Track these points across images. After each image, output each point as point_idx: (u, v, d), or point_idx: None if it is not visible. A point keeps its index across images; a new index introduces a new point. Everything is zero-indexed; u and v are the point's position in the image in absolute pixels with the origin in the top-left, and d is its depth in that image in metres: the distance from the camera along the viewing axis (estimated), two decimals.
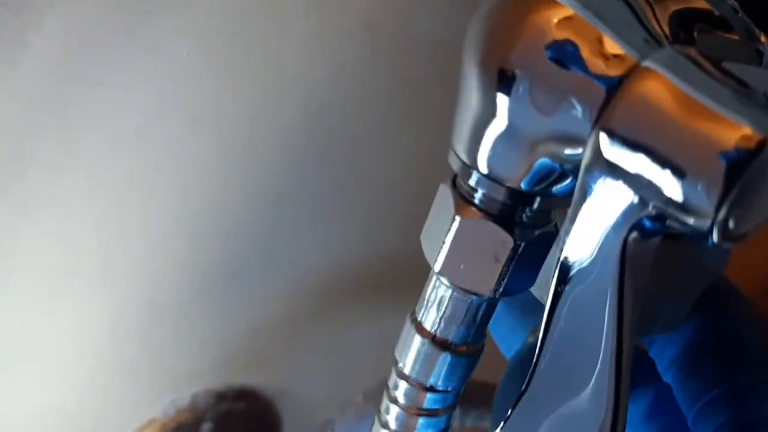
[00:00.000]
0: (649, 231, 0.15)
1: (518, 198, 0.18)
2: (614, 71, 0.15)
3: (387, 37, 0.33)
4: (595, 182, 0.16)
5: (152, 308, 0.38)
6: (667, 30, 0.16)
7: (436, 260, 0.19)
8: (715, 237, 0.15)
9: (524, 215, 0.18)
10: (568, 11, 0.16)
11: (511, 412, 0.18)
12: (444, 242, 0.19)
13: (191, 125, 0.33)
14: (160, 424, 0.42)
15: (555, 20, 0.16)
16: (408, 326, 0.21)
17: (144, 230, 0.36)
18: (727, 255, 0.23)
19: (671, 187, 0.14)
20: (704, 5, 0.17)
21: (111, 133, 0.31)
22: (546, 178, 0.17)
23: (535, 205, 0.18)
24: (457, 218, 0.18)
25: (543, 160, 0.17)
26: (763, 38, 0.17)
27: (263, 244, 0.39)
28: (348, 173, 0.37)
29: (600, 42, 0.15)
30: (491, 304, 0.20)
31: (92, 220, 0.35)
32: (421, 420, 0.21)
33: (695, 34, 0.16)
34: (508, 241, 0.18)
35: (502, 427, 0.18)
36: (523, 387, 0.17)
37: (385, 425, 0.22)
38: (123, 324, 0.38)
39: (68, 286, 0.36)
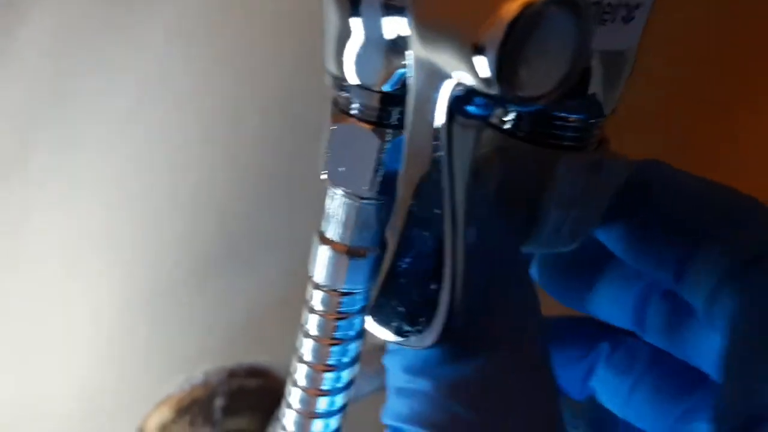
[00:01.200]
0: (466, 110, 0.18)
1: (384, 101, 0.20)
2: None
3: None
4: (417, 70, 0.18)
5: (159, 291, 0.42)
6: None
7: (321, 169, 0.22)
8: (509, 98, 0.17)
9: (392, 118, 0.21)
10: None
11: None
12: (326, 151, 0.21)
13: (181, 106, 0.36)
14: (176, 400, 0.44)
15: None
16: (314, 240, 0.23)
17: (146, 214, 0.40)
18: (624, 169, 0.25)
19: (461, 58, 0.17)
20: None
21: (105, 117, 0.35)
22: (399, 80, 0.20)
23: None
24: (333, 126, 0.21)
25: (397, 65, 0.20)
26: None
27: (261, 223, 0.41)
28: None
29: None
30: (379, 207, 0.22)
31: (97, 204, 0.38)
32: (339, 323, 0.23)
33: None
34: (375, 139, 0.20)
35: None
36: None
37: (306, 334, 0.24)
38: (134, 307, 0.41)
39: (78, 274, 0.40)
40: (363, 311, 0.24)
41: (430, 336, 0.19)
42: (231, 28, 0.35)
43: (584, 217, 0.25)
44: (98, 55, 0.33)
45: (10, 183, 0.35)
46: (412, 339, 0.20)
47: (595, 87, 0.23)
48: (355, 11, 0.20)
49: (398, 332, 0.20)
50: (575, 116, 0.23)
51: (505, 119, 0.23)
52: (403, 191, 0.20)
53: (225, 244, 0.42)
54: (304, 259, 0.23)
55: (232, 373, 0.46)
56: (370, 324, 0.21)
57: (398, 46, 0.20)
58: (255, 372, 0.46)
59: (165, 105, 0.36)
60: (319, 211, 0.23)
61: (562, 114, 0.23)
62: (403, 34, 0.19)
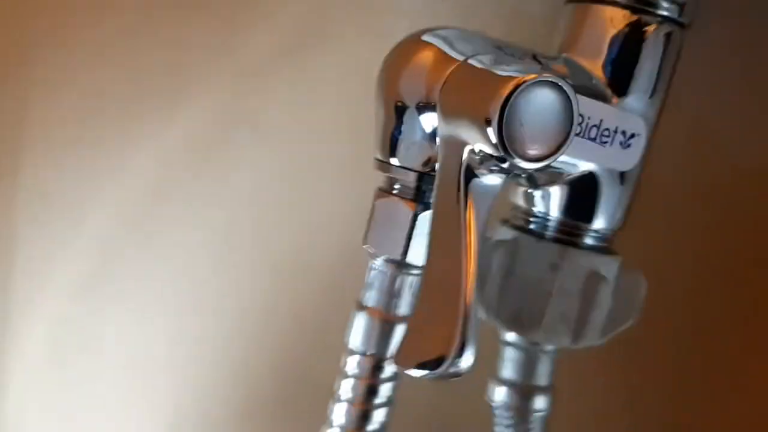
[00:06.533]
0: (482, 169, 0.22)
1: (419, 179, 0.25)
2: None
3: None
4: (443, 147, 0.23)
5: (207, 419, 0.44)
6: None
7: (364, 242, 0.26)
8: (515, 160, 0.21)
9: (425, 197, 0.25)
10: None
11: None
12: (369, 224, 0.26)
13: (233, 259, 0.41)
14: None
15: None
16: (353, 311, 0.27)
17: (203, 346, 0.43)
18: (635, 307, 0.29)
19: (477, 130, 0.21)
20: None
21: (192, 239, 0.40)
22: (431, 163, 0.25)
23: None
24: (376, 202, 0.26)
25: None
26: None
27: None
28: None
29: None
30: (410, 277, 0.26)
31: (163, 335, 0.42)
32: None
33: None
34: (409, 210, 0.25)
35: None
36: None
37: (338, 399, 0.27)
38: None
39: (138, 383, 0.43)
40: (395, 377, 0.27)
41: None
42: (300, 189, 0.40)
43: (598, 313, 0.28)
44: (190, 188, 0.39)
45: (94, 297, 0.40)
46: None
47: (602, 198, 0.28)
48: (399, 112, 0.25)
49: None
50: (582, 223, 0.28)
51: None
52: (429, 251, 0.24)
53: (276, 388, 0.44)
54: None
55: None
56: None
57: (431, 135, 0.25)
58: None
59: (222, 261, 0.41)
60: None
61: (569, 220, 0.27)
62: (434, 125, 0.24)
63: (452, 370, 0.22)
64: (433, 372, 0.22)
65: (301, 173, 0.40)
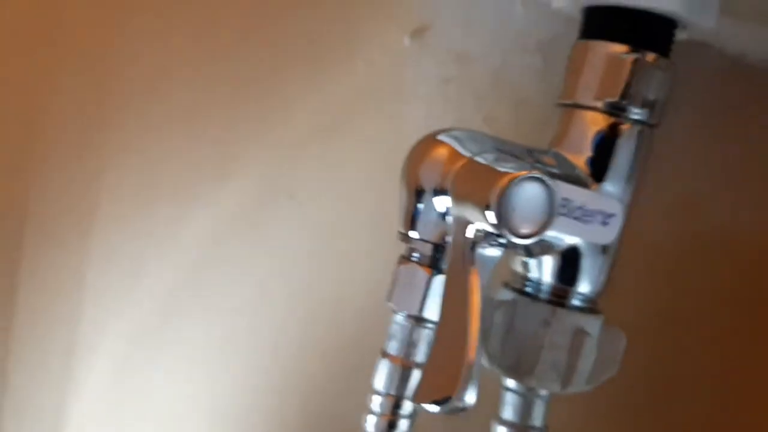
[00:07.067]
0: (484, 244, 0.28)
1: (435, 250, 0.31)
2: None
3: None
4: (454, 224, 0.29)
5: None
6: None
7: (388, 297, 0.32)
8: (510, 236, 0.27)
9: (439, 264, 0.31)
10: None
11: None
12: (392, 284, 0.32)
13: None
14: None
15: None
16: (378, 358, 0.32)
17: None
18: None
19: (480, 212, 0.27)
20: None
21: (236, 293, 0.46)
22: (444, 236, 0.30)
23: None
24: (398, 268, 0.31)
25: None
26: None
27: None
28: None
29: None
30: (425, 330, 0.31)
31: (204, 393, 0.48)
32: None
33: None
34: (425, 274, 0.30)
35: None
36: None
37: None
38: None
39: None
40: (411, 415, 0.32)
41: None
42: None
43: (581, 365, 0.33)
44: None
45: (148, 343, 0.46)
46: None
47: (586, 267, 0.33)
48: (418, 195, 0.31)
49: None
50: (569, 287, 0.33)
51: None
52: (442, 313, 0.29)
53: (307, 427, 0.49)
54: None
55: None
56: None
57: (444, 214, 0.30)
58: None
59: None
60: None
61: (559, 284, 0.33)
62: (447, 206, 0.30)
63: (458, 405, 0.28)
64: (442, 407, 0.28)
65: (331, 237, 0.45)
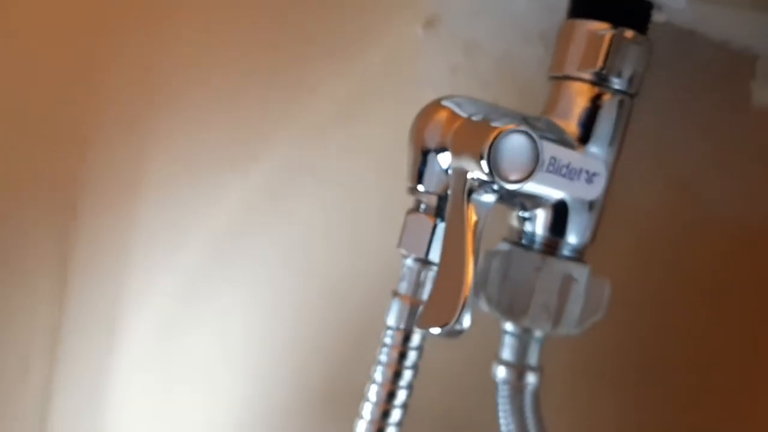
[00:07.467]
0: (480, 191, 0.33)
1: (439, 200, 0.35)
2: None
3: None
4: (453, 175, 0.33)
5: None
6: None
7: (399, 243, 0.36)
8: (501, 182, 0.31)
9: (442, 213, 0.35)
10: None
11: None
12: (402, 232, 0.36)
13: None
14: None
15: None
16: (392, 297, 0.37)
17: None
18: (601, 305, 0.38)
19: (474, 162, 0.32)
20: None
21: (266, 260, 0.51)
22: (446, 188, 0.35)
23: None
24: (407, 217, 0.36)
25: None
26: None
27: None
28: None
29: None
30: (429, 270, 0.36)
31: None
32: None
33: None
34: (429, 222, 0.35)
35: None
36: None
37: (378, 363, 0.37)
38: None
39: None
40: (419, 348, 0.36)
41: None
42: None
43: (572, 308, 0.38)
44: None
45: (189, 303, 0.51)
46: None
47: (574, 220, 0.37)
48: (423, 153, 0.35)
49: None
50: (559, 238, 0.37)
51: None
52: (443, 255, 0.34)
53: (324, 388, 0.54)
54: None
55: None
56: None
57: (446, 169, 0.35)
58: None
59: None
60: None
61: (549, 236, 0.37)
62: (448, 162, 0.35)
63: (456, 328, 0.32)
64: (442, 330, 0.32)
65: (349, 212, 0.50)
